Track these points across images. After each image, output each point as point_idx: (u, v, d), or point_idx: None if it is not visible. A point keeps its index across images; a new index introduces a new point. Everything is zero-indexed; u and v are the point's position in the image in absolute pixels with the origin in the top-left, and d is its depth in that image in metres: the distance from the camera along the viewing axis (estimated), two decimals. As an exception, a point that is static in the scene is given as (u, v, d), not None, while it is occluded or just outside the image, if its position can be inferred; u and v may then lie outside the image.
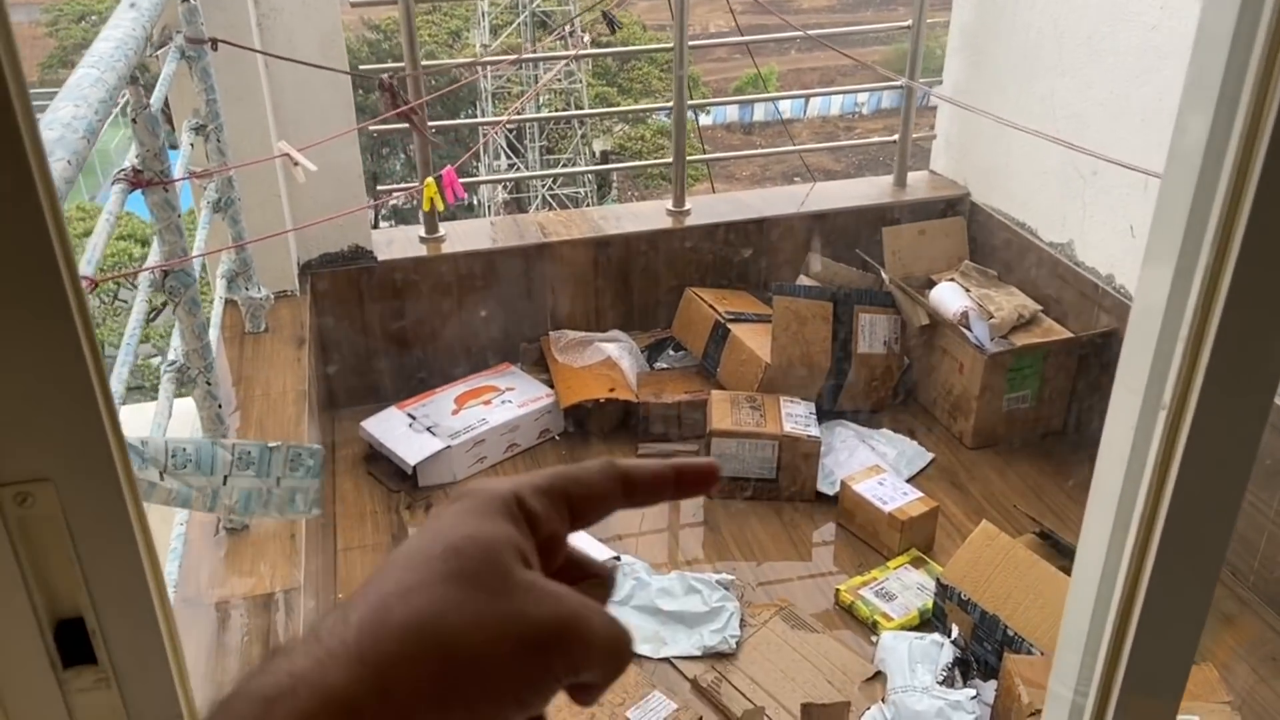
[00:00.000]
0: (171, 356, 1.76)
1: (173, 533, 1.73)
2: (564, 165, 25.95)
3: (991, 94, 2.97)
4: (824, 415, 2.87)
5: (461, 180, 2.59)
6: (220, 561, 1.84)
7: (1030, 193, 2.93)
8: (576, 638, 0.34)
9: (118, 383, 1.43)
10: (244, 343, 2.49)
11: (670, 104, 3.05)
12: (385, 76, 2.41)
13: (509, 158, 26.31)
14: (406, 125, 2.49)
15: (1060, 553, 2.23)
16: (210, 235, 2.38)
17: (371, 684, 0.31)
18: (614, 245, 3.07)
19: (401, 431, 2.74)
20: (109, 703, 0.54)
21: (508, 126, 27.49)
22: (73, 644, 0.52)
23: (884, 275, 2.94)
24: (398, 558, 0.35)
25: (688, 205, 3.18)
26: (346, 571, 2.45)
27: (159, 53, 2.19)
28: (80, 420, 0.47)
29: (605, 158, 26.90)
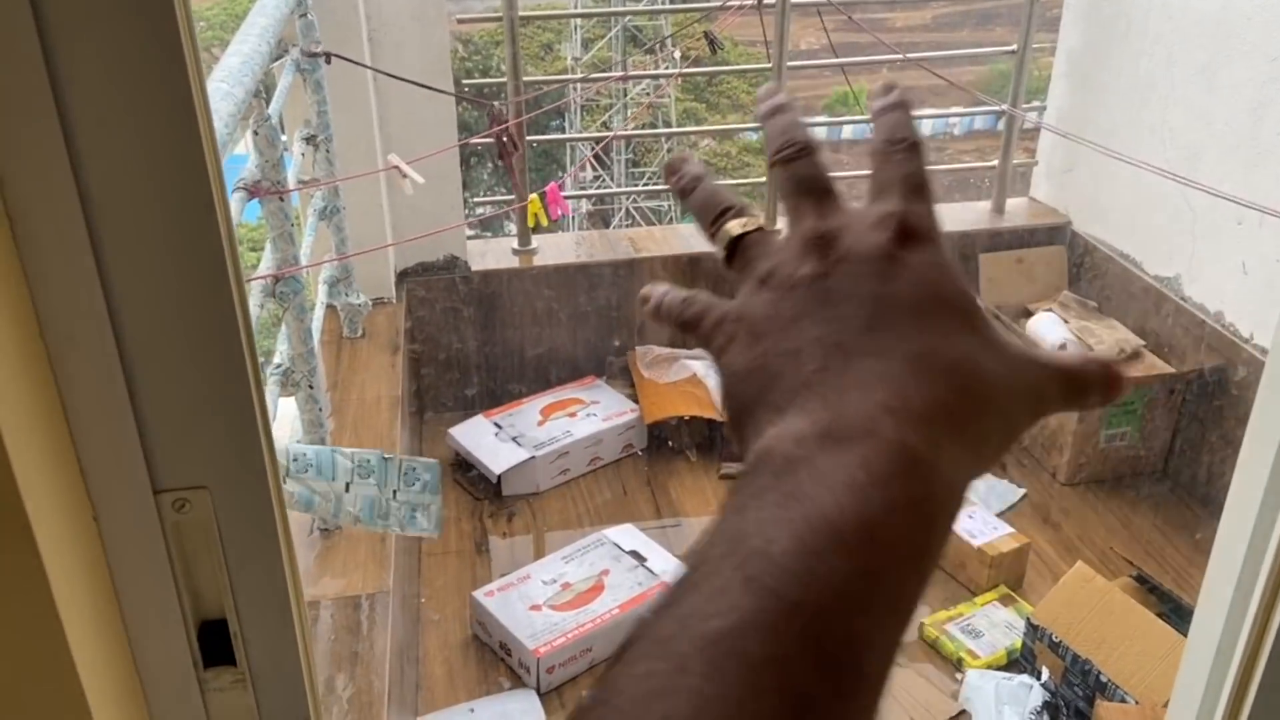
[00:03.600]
0: (278, 360, 1.82)
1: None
2: (649, 179, 26.06)
3: (1098, 121, 2.90)
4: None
5: (567, 195, 2.63)
6: (312, 562, 1.89)
7: (1136, 223, 2.84)
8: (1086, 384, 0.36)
9: None
10: (341, 347, 2.55)
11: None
12: (495, 105, 2.46)
13: (595, 170, 26.55)
14: (515, 144, 2.53)
15: (1157, 598, 2.15)
16: (316, 242, 2.46)
17: (940, 426, 0.32)
18: (704, 262, 3.07)
19: (487, 440, 2.78)
20: (244, 703, 0.56)
21: (593, 143, 27.74)
22: (214, 645, 0.55)
23: (980, 303, 2.88)
24: (883, 311, 0.35)
25: (780, 226, 3.16)
26: (429, 575, 2.49)
27: (276, 65, 2.27)
28: (238, 430, 0.49)
29: (689, 173, 26.83)
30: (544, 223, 2.42)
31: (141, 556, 0.50)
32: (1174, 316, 2.67)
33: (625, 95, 23.56)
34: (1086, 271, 3.02)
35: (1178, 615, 2.07)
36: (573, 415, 2.88)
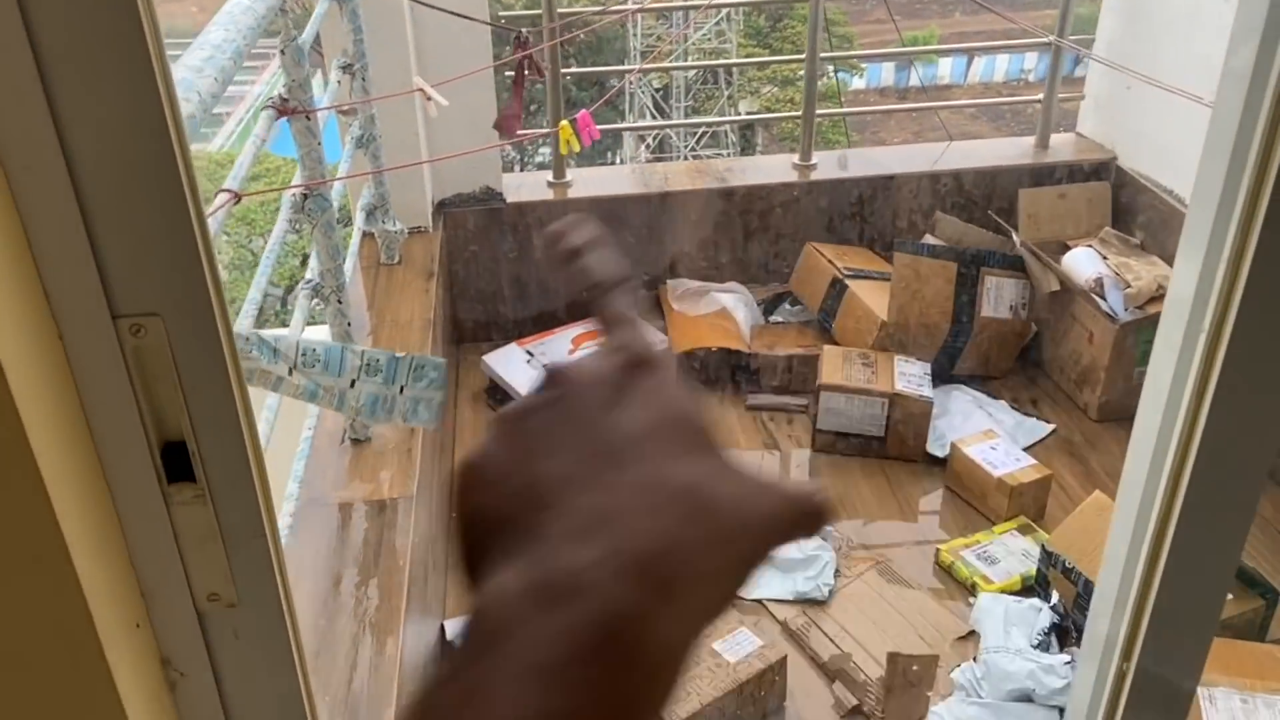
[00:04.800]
0: (309, 276, 1.90)
1: (301, 435, 1.88)
2: (709, 127, 25.79)
3: (1147, 54, 2.83)
4: (942, 379, 2.83)
5: (600, 126, 2.65)
6: (344, 468, 1.98)
7: (1184, 159, 2.77)
8: (814, 514, 0.34)
9: (256, 291, 1.56)
10: (379, 273, 2.64)
11: (804, 56, 3.03)
12: (520, 31, 2.49)
13: (654, 117, 26.38)
14: (539, 70, 2.56)
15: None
16: (353, 169, 2.54)
17: (663, 556, 0.30)
18: (737, 197, 3.09)
19: (519, 367, 2.86)
20: (204, 516, 0.63)
21: (655, 87, 27.54)
22: (176, 464, 0.61)
23: (1015, 238, 2.86)
24: (618, 442, 0.33)
25: (815, 160, 3.16)
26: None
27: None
28: (184, 263, 0.55)
29: (752, 121, 26.58)
30: (575, 149, 2.45)
31: (105, 378, 0.57)
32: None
33: (686, 40, 23.21)
34: (1131, 208, 2.96)
35: (1194, 546, 2.07)
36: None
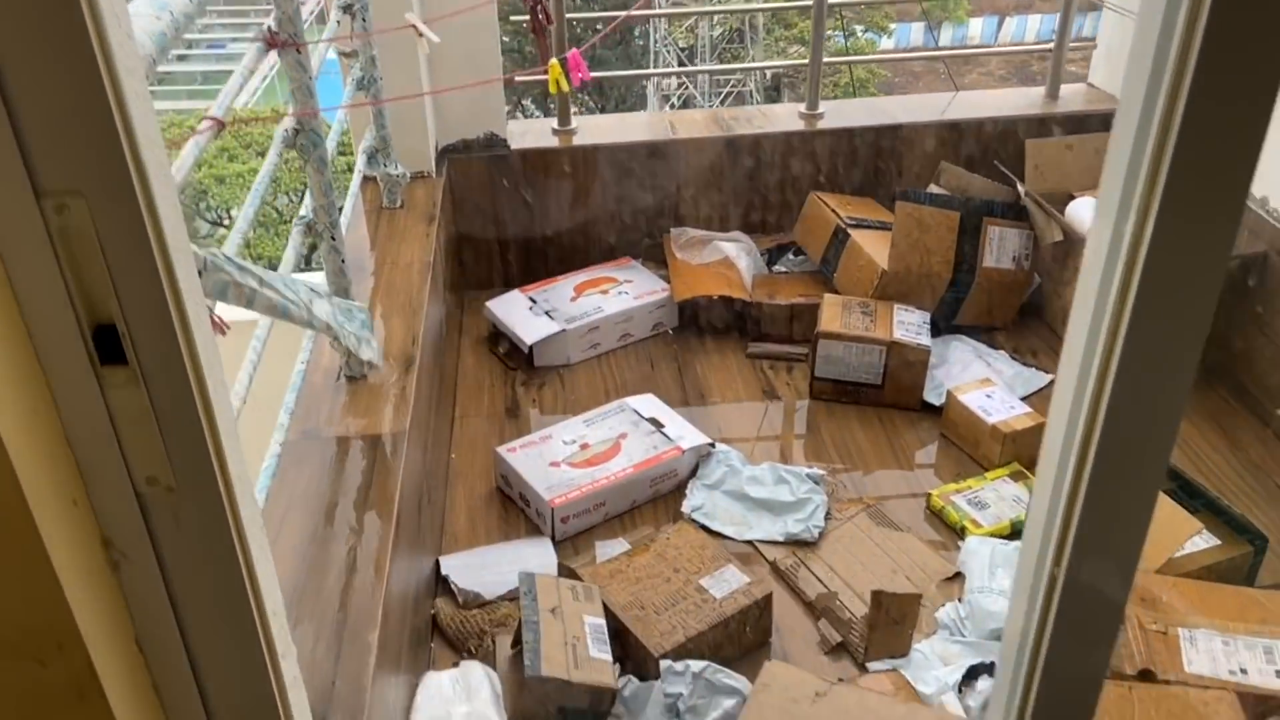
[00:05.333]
0: (302, 212, 1.92)
1: (294, 370, 1.91)
2: (734, 86, 25.53)
3: None
4: (943, 328, 2.83)
5: (597, 74, 2.64)
6: (339, 404, 2.01)
7: (1191, 107, 2.73)
8: None
9: (244, 222, 1.58)
10: (380, 216, 2.66)
11: (811, 2, 3.00)
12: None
13: (679, 79, 26.12)
14: (548, 16, 2.55)
15: (1169, 477, 2.14)
16: (355, 112, 2.55)
17: None
18: (743, 145, 3.07)
19: (522, 313, 2.88)
20: (138, 399, 0.65)
21: (680, 46, 27.17)
22: (108, 348, 0.63)
23: (1020, 188, 2.83)
24: None
25: (821, 109, 3.13)
26: (460, 435, 2.61)
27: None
28: (104, 142, 0.57)
29: (778, 81, 26.31)
30: (564, 88, 2.45)
31: (32, 258, 0.59)
32: (1220, 202, 2.59)
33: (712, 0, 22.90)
34: (1137, 158, 2.92)
35: (1186, 493, 2.07)
36: (605, 292, 2.95)
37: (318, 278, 2.14)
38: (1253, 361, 2.51)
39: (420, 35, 2.13)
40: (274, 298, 1.28)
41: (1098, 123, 3.03)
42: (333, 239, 1.92)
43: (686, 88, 25.73)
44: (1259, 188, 2.48)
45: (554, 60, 2.41)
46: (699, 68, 20.98)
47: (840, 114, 3.15)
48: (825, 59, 3.11)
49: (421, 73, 2.70)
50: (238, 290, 1.18)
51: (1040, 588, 0.85)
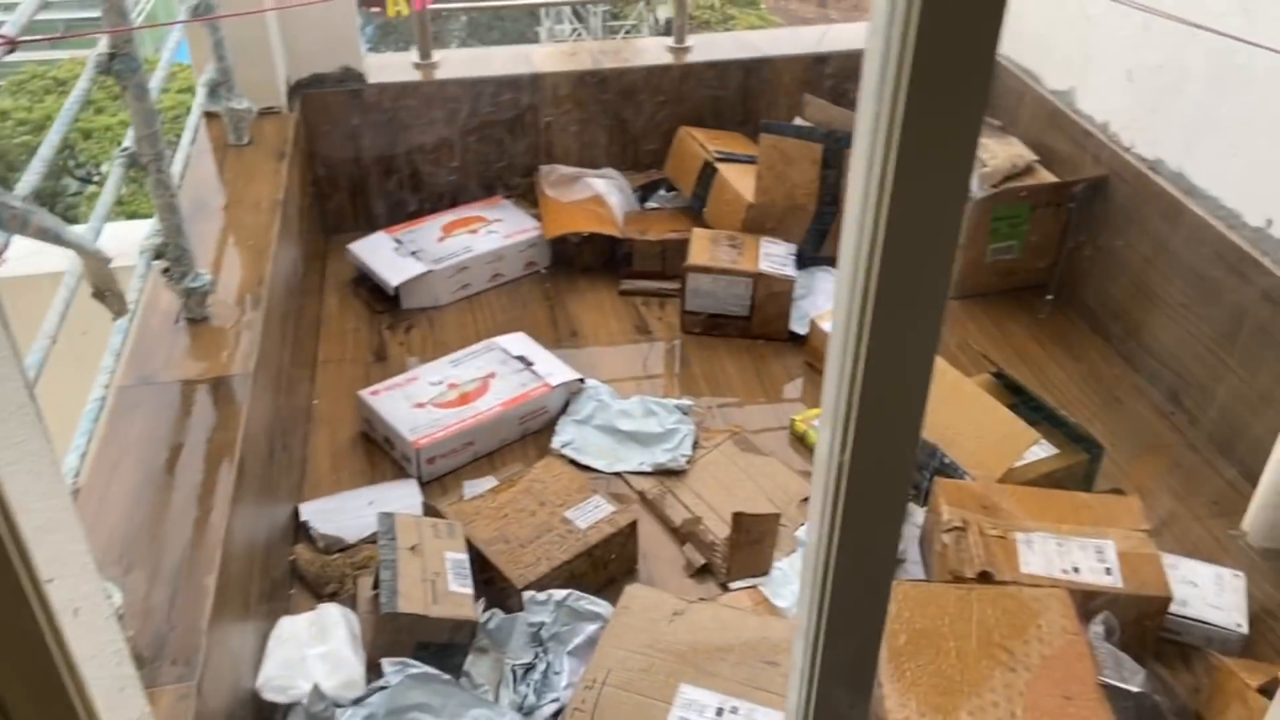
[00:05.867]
0: (125, 144, 1.81)
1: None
2: (627, 31, 25.27)
3: None
4: (809, 260, 2.86)
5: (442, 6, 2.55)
6: (181, 346, 1.93)
7: (1038, 36, 2.80)
8: None
9: (40, 162, 1.47)
10: (227, 154, 2.54)
11: (673, -68, 2.96)
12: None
13: (573, 22, 25.73)
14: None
15: (1012, 393, 2.23)
16: (195, 45, 2.41)
17: None
18: (610, 80, 3.03)
19: (386, 255, 2.80)
20: None
21: (570, -9, 26.63)
22: None
23: (881, 119, 2.86)
24: None
25: (689, 42, 3.11)
26: (325, 381, 2.54)
27: None
28: None
29: (669, 26, 26.10)
30: (404, 13, 2.37)
31: None
32: (1066, 130, 2.67)
33: (599, -59, 22.50)
34: (994, 90, 2.99)
35: (1029, 407, 2.15)
36: (474, 232, 2.90)
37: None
38: (1094, 280, 2.61)
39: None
40: (49, 225, 1.20)
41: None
42: (159, 172, 1.82)
43: (580, 35, 25.36)
44: (1100, 113, 2.57)
45: (395, -17, 2.32)
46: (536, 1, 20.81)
47: (709, 48, 3.13)
48: (690, -9, 3.07)
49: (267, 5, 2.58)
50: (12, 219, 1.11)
51: (831, 474, 0.87)
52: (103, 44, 1.71)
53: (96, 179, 13.77)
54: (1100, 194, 2.56)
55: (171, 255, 1.89)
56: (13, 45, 1.34)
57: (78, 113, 1.55)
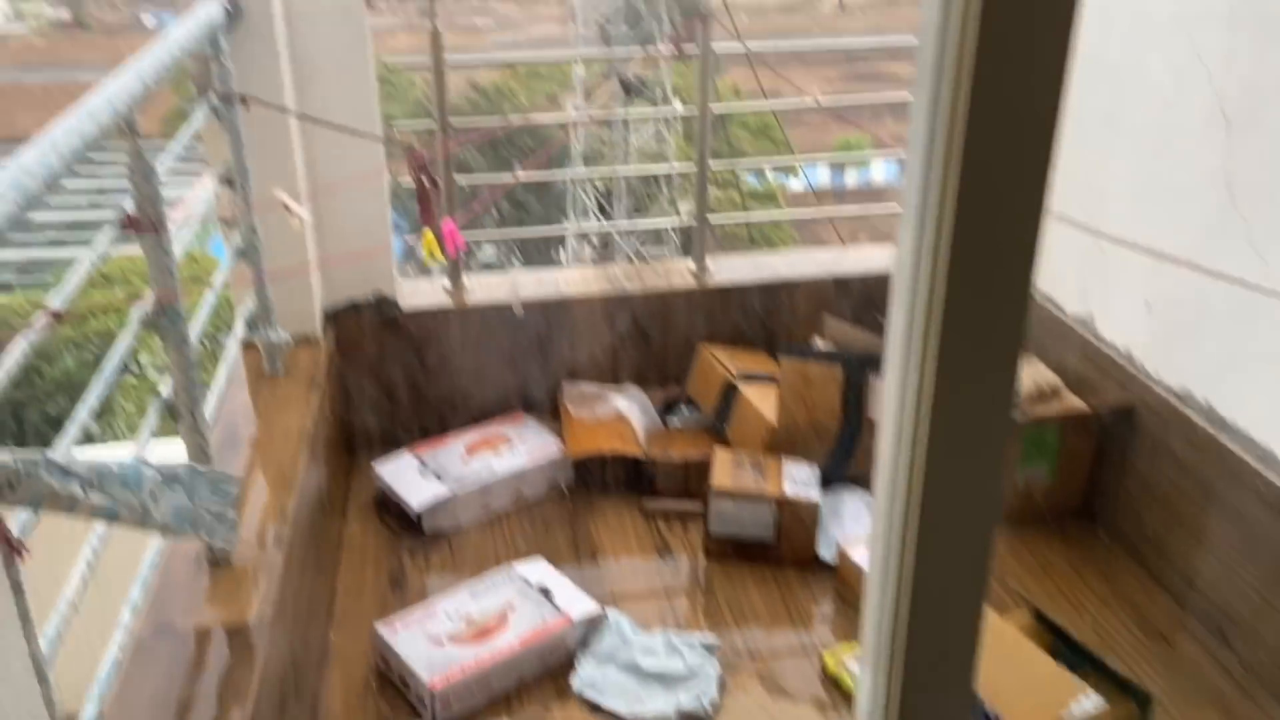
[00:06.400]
0: (164, 392, 1.85)
1: (145, 560, 1.80)
2: (651, 230, 26.28)
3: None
4: (833, 481, 2.83)
5: (471, 235, 2.67)
6: (200, 591, 1.91)
7: (1053, 263, 2.87)
8: None
9: (85, 410, 1.51)
10: (260, 385, 2.59)
11: (692, 164, 3.11)
12: (414, 146, 2.52)
13: (598, 218, 26.88)
14: (434, 181, 2.58)
15: (1053, 635, 2.14)
16: (233, 280, 2.52)
17: None
18: (634, 302, 3.12)
19: (411, 476, 2.80)
20: None
21: (598, 187, 28.11)
22: None
23: (902, 342, 2.90)
24: None
25: (710, 266, 3.21)
26: (341, 611, 2.49)
27: (192, 106, 2.35)
28: None
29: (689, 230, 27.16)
30: (438, 258, 2.46)
31: None
32: (1089, 355, 2.69)
33: (626, 143, 23.87)
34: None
35: (1070, 650, 2.06)
36: (497, 452, 2.91)
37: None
38: (1131, 509, 2.56)
39: (290, 211, 2.13)
40: (100, 502, 1.21)
41: (973, 277, 3.15)
42: (193, 418, 1.85)
43: (603, 224, 26.39)
44: (1122, 340, 2.59)
45: (427, 231, 2.43)
46: (573, 228, 21.72)
47: (730, 270, 3.23)
48: (712, 218, 3.20)
49: (308, 239, 2.70)
50: (55, 500, 1.11)
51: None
52: (149, 299, 1.78)
53: (136, 372, 14.12)
54: (1129, 422, 2.54)
55: (197, 498, 1.89)
56: (58, 318, 1.40)
57: (119, 376, 1.60)
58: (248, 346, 2.69)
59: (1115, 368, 2.60)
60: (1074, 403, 2.68)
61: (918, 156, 0.67)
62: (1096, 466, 2.68)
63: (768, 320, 3.15)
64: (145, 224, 1.70)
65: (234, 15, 2.43)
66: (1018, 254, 0.76)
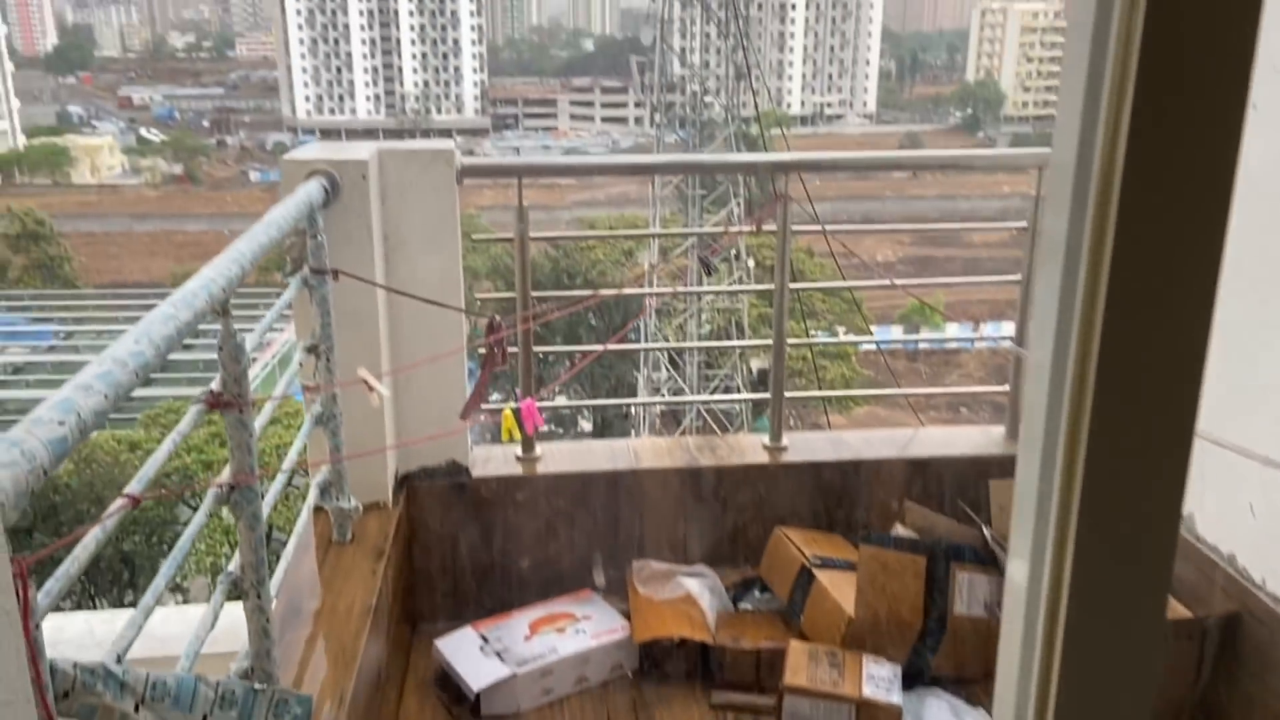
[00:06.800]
0: (230, 568, 1.84)
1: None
2: (721, 382, 26.44)
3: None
4: (915, 681, 2.67)
5: (544, 405, 2.67)
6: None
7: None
8: None
9: (162, 579, 1.49)
10: (329, 552, 2.57)
11: (770, 341, 3.10)
12: (493, 316, 2.56)
13: (669, 371, 27.20)
14: (504, 356, 2.61)
15: None
16: (311, 447, 2.54)
17: None
18: (706, 477, 3.06)
19: (472, 653, 2.72)
20: None
21: (668, 337, 28.45)
22: None
23: (986, 531, 2.78)
24: None
25: (785, 441, 3.15)
26: (391, 798, 2.38)
27: (287, 279, 2.43)
28: None
29: (763, 377, 27.36)
30: (517, 438, 2.45)
31: None
32: (1190, 557, 2.53)
33: (699, 301, 24.29)
34: (1102, 502, 2.90)
35: None
36: (561, 631, 2.81)
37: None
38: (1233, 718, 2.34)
39: (370, 389, 2.16)
40: (148, 719, 1.17)
41: (1060, 464, 3.03)
42: (259, 597, 1.82)
43: (675, 379, 26.67)
44: (1225, 543, 2.44)
45: (507, 409, 2.43)
46: (645, 399, 22.05)
47: (805, 447, 3.17)
48: (788, 394, 3.17)
49: (386, 412, 2.73)
50: (107, 712, 1.08)
51: None
52: (225, 474, 1.79)
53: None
54: (1233, 631, 2.36)
55: (259, 679, 1.85)
56: (136, 503, 1.40)
57: (185, 556, 1.58)
58: (317, 509, 2.69)
59: (1218, 571, 2.43)
60: (1176, 608, 2.50)
61: (1046, 360, 0.63)
62: (1199, 677, 2.47)
63: (845, 502, 3.06)
64: (230, 402, 1.72)
65: (332, 193, 2.54)
66: (1167, 479, 0.70)
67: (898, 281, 3.07)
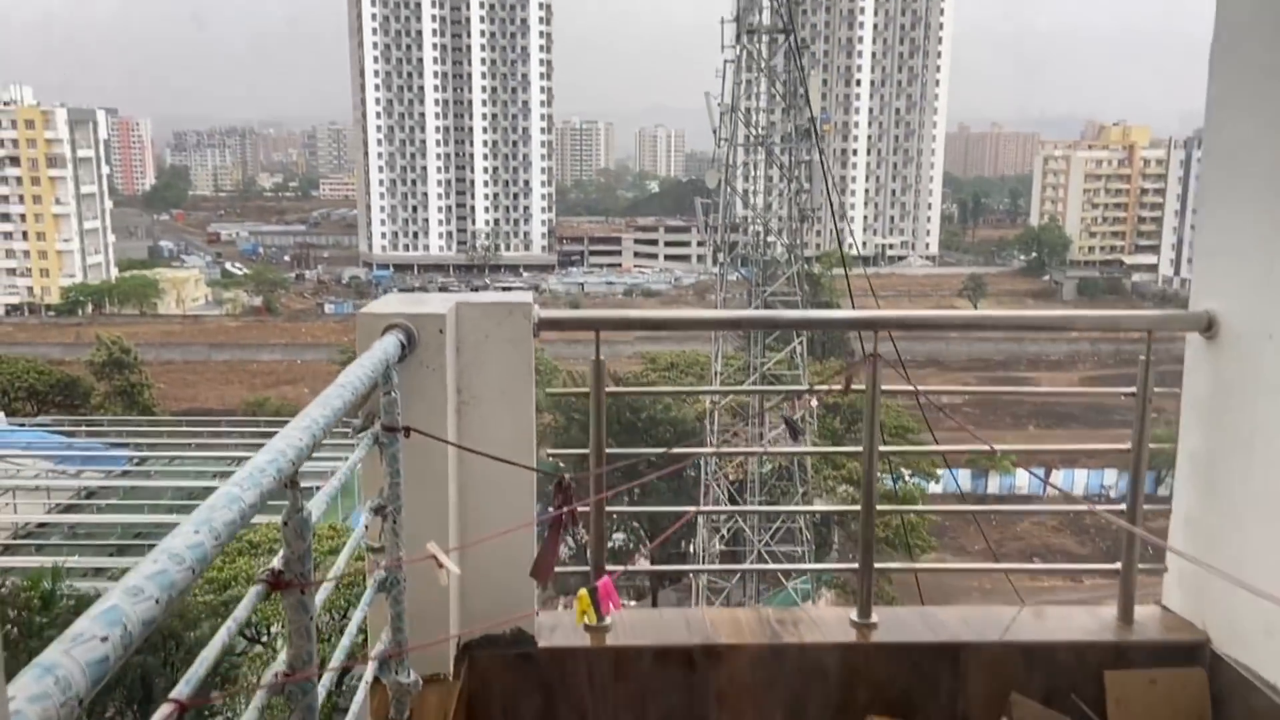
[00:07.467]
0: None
1: None
2: (782, 520, 25.82)
3: (1229, 530, 2.63)
4: None
5: (626, 572, 2.50)
6: None
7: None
8: None
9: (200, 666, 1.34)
10: (383, 731, 2.39)
11: (858, 506, 2.91)
12: (565, 478, 2.44)
13: (731, 503, 26.72)
14: (574, 519, 2.47)
15: None
16: (371, 611, 2.40)
17: None
18: (788, 656, 2.83)
19: None
20: None
21: (731, 480, 28.07)
22: None
23: (1104, 732, 2.50)
24: None
25: (874, 618, 2.92)
26: None
27: (357, 437, 2.34)
28: None
29: (827, 518, 26.71)
30: (592, 621, 2.28)
31: None
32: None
33: (760, 438, 24.03)
34: (1230, 701, 2.60)
35: None
36: (629, 825, 2.56)
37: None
38: None
39: (440, 566, 2.02)
40: None
41: (1180, 654, 2.75)
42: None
43: (736, 520, 26.13)
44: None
45: (583, 591, 2.28)
46: (713, 567, 21.64)
47: (896, 625, 2.92)
48: (877, 565, 2.95)
49: (450, 581, 2.58)
50: None
51: None
52: (281, 659, 1.65)
53: (265, 640, 14.16)
54: None
55: None
56: (183, 709, 1.26)
57: (233, 637, 1.44)
58: (375, 683, 2.52)
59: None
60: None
61: None
62: None
63: (942, 690, 2.79)
64: (292, 582, 1.60)
65: (408, 347, 2.48)
66: None
67: (998, 447, 2.88)
